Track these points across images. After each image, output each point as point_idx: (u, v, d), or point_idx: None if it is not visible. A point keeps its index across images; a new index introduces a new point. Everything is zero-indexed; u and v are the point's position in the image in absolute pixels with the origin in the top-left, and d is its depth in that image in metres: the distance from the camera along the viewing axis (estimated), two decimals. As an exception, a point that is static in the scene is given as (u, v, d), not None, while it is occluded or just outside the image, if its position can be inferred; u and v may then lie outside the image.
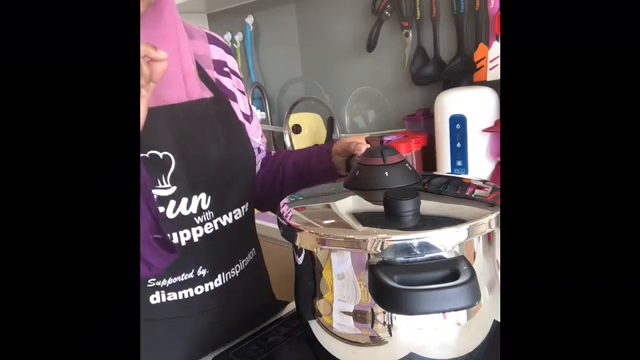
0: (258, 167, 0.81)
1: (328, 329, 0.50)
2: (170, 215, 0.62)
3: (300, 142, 1.55)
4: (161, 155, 0.60)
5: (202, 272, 0.66)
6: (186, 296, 0.65)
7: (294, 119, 1.55)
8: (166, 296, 0.64)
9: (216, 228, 0.66)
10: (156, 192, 0.60)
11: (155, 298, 0.64)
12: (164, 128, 0.61)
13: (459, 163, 1.10)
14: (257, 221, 0.79)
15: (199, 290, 0.66)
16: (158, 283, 0.63)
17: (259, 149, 0.81)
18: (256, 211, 0.80)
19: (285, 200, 0.55)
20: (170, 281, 0.64)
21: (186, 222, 0.63)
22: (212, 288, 0.67)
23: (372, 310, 0.46)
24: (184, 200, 0.62)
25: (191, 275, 0.65)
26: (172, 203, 0.62)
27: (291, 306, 0.79)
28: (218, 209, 0.66)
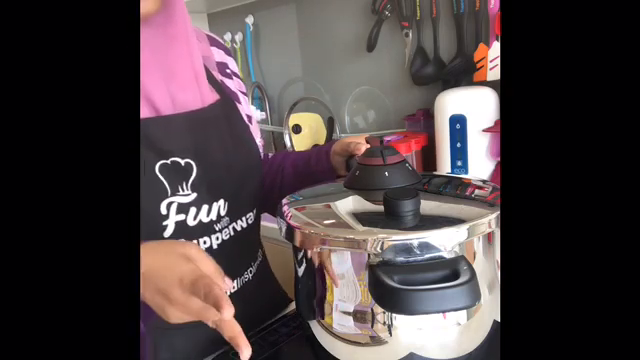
0: None
1: (328, 329, 0.50)
2: (191, 223, 0.61)
3: (300, 142, 1.55)
4: (183, 162, 0.60)
5: None
6: None
7: (294, 119, 1.55)
8: None
9: (232, 234, 0.66)
10: (177, 199, 0.59)
11: None
12: (184, 135, 0.61)
13: (459, 163, 1.10)
14: (258, 222, 0.79)
15: None
16: None
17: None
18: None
19: (285, 200, 0.55)
20: None
21: (207, 229, 0.62)
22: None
23: (372, 310, 0.46)
24: (204, 207, 0.62)
25: None
26: (193, 210, 0.61)
27: (291, 306, 0.79)
28: (233, 214, 0.65)
